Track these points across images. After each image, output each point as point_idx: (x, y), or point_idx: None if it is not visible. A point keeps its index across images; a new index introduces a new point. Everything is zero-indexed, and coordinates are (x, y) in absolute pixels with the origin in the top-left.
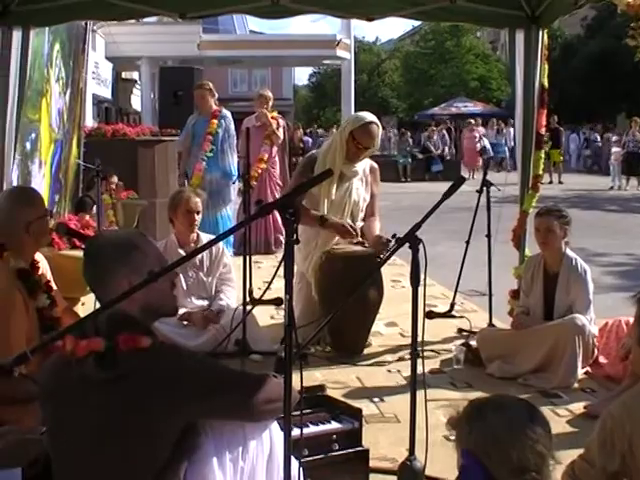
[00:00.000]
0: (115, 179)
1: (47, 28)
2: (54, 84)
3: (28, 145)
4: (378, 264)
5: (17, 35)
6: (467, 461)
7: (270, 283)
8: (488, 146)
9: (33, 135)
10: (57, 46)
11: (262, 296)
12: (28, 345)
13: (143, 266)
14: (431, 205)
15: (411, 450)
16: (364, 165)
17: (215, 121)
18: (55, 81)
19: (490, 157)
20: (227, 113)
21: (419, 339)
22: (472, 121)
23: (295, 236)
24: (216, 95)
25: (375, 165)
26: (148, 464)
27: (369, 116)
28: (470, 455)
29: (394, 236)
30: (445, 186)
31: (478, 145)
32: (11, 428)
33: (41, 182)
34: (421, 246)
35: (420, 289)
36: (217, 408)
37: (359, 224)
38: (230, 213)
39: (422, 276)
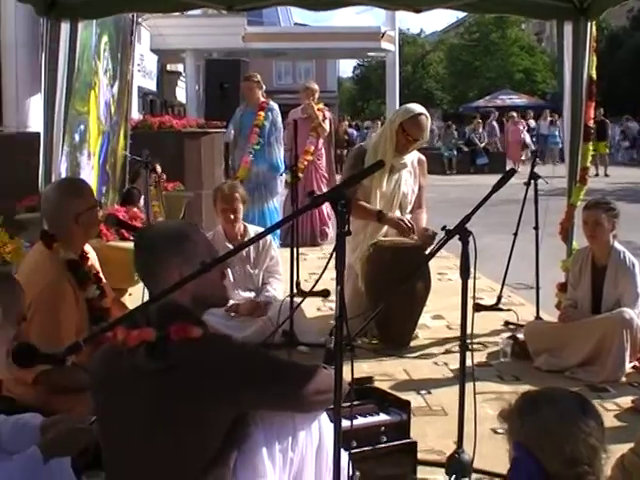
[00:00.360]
0: (158, 169)
1: (94, 20)
2: (102, 76)
3: (77, 137)
4: (427, 256)
5: (65, 28)
6: (519, 454)
7: (322, 274)
8: (529, 140)
9: (82, 127)
10: (105, 38)
11: (313, 287)
12: (78, 336)
13: (194, 256)
14: (477, 198)
15: (459, 443)
16: (412, 157)
17: (262, 113)
18: (103, 73)
19: (535, 150)
20: (274, 105)
21: (468, 332)
22: (514, 114)
23: (347, 228)
24: (264, 87)
25: (423, 157)
26: (199, 454)
27: (418, 108)
28: (522, 448)
29: (444, 228)
30: (491, 179)
31: (521, 138)
32: (62, 417)
33: (90, 173)
34: (470, 239)
35: (469, 282)
36: (267, 398)
37: (407, 216)
38: (277, 205)
39: (471, 269)
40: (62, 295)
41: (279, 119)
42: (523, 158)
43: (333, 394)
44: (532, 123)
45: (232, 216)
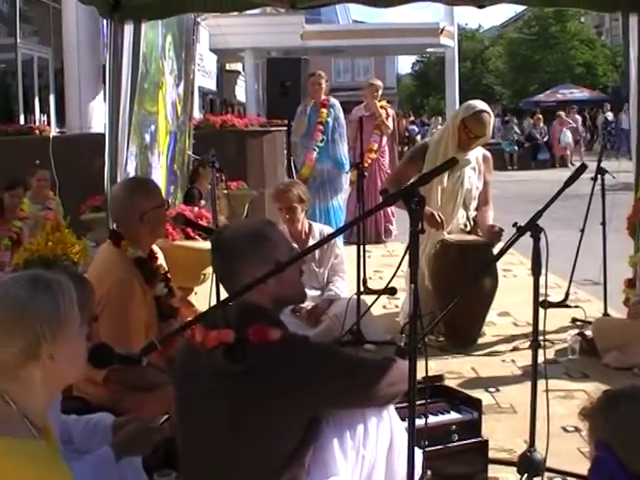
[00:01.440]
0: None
1: (160, 21)
2: (168, 76)
3: (147, 137)
4: (499, 253)
5: (129, 29)
6: (601, 452)
7: (395, 273)
8: (569, 139)
9: (152, 127)
10: (169, 38)
11: (389, 283)
12: (147, 334)
13: (273, 257)
14: (539, 193)
15: (531, 441)
16: (476, 153)
17: (325, 110)
18: (169, 73)
19: (604, 144)
20: (335, 102)
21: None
22: (562, 113)
23: (420, 225)
24: (329, 85)
25: (488, 153)
26: (276, 454)
27: (480, 104)
28: (604, 446)
29: (515, 225)
30: (552, 174)
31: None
32: (133, 417)
33: (159, 173)
34: (542, 235)
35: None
36: (344, 395)
37: (472, 213)
38: (341, 203)
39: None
40: (131, 292)
41: (341, 115)
42: (568, 153)
43: (404, 385)
44: (610, 116)
45: (287, 215)
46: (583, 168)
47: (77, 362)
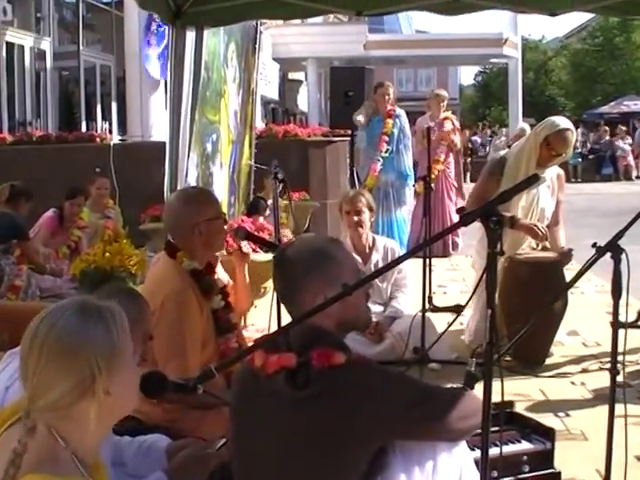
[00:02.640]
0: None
1: (222, 28)
2: (231, 84)
3: (209, 146)
4: (578, 274)
5: (190, 36)
6: None
7: (472, 295)
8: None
9: (214, 136)
10: (232, 46)
11: (467, 303)
12: (204, 348)
13: (339, 278)
14: (605, 208)
15: (607, 473)
16: (552, 173)
17: (390, 121)
18: (232, 81)
19: None
20: (401, 112)
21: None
22: (623, 127)
23: (500, 247)
24: (395, 94)
25: (561, 172)
26: None
27: (564, 122)
28: None
29: (594, 245)
30: (616, 186)
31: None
32: (188, 441)
33: (222, 184)
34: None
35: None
36: (413, 426)
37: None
38: (405, 215)
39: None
40: (186, 304)
41: (407, 126)
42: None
43: (477, 420)
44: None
45: (356, 218)
46: None
47: (132, 392)
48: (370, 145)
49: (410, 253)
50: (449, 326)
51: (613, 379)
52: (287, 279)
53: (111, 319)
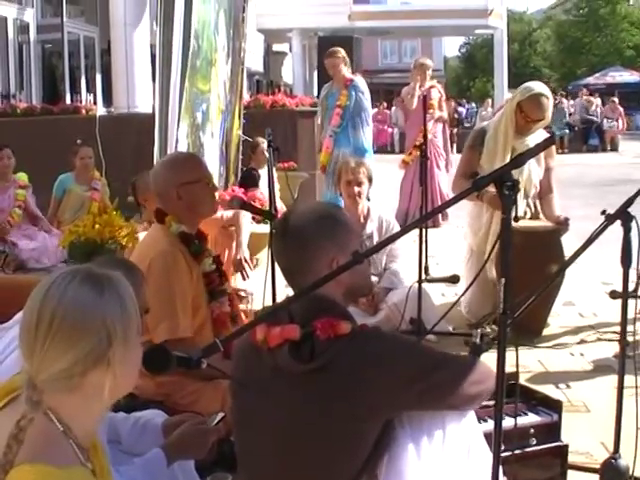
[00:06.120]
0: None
1: None
2: (220, 53)
3: (199, 116)
4: (585, 243)
5: (179, 3)
6: None
7: (483, 267)
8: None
9: (204, 106)
10: (222, 13)
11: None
12: (195, 313)
13: (348, 243)
14: (594, 178)
15: (616, 447)
16: (537, 138)
17: (345, 92)
18: (222, 50)
19: None
20: (359, 82)
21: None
22: (615, 99)
23: (515, 213)
24: (348, 63)
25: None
26: (348, 462)
27: (538, 87)
28: None
29: (604, 212)
30: (604, 157)
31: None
32: (185, 416)
33: (213, 153)
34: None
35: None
36: (424, 393)
37: (531, 201)
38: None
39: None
40: (175, 265)
41: (365, 97)
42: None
43: (488, 385)
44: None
45: (357, 189)
46: None
47: (137, 367)
48: (326, 120)
49: (416, 223)
50: (458, 299)
51: (622, 349)
52: (295, 248)
53: (123, 288)
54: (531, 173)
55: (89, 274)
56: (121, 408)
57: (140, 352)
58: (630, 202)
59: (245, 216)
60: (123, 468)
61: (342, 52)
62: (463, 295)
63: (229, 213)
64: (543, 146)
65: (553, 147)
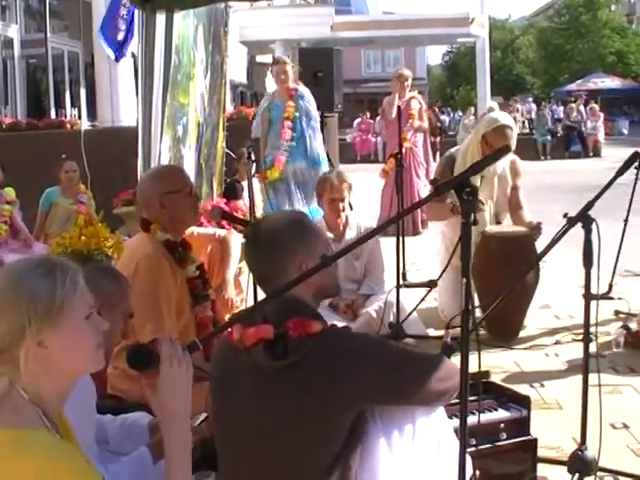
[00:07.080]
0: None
1: (192, 11)
2: (198, 66)
3: (180, 129)
4: (549, 245)
5: (161, 19)
6: None
7: (445, 268)
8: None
9: (184, 119)
10: (200, 28)
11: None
12: (179, 317)
13: (316, 246)
14: (574, 183)
15: (582, 439)
16: (503, 162)
17: (292, 103)
18: (200, 63)
19: None
20: (304, 91)
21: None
22: (595, 106)
23: (473, 217)
24: (297, 73)
25: (514, 157)
26: (322, 455)
27: (503, 118)
28: None
29: (565, 215)
30: (586, 163)
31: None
32: None
33: (190, 165)
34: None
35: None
36: (391, 389)
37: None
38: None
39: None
40: (159, 268)
41: (312, 106)
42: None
43: (454, 382)
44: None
45: (341, 205)
46: (636, 156)
47: (82, 354)
48: (273, 134)
49: (383, 226)
50: (422, 299)
51: (586, 348)
52: (267, 253)
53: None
54: (497, 196)
55: (40, 259)
56: (109, 411)
57: (86, 340)
58: (590, 205)
59: (236, 238)
60: (111, 466)
61: (287, 59)
62: (427, 296)
63: (222, 232)
64: (497, 156)
65: (518, 165)
